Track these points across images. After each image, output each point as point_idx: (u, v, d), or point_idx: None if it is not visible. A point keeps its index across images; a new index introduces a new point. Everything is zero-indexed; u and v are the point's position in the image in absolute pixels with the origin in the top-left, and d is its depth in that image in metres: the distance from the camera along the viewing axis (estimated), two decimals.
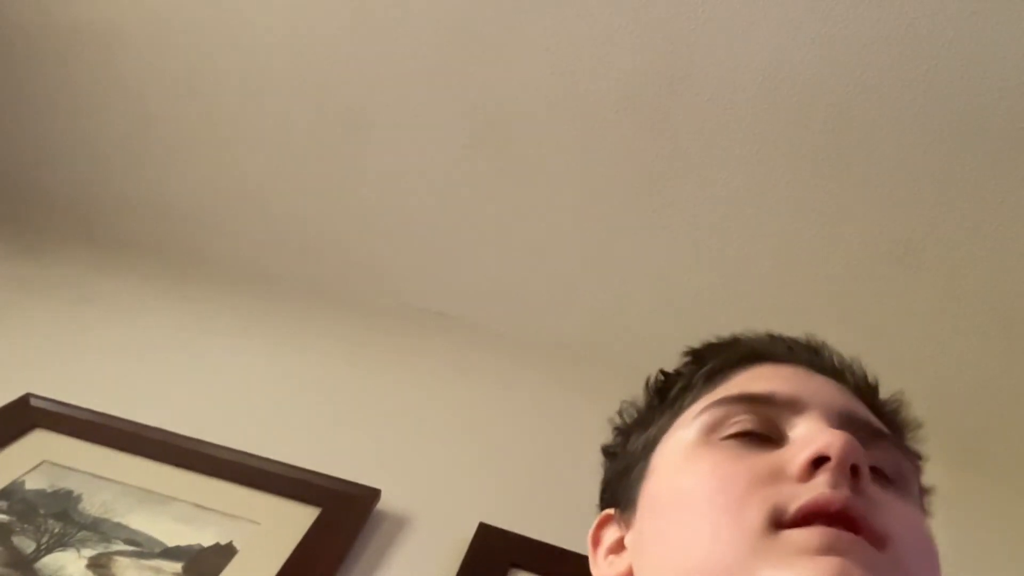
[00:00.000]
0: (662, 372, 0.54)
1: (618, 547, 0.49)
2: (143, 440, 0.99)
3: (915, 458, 0.48)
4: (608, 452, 0.55)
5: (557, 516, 0.93)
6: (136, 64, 1.44)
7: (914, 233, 1.22)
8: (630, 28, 1.20)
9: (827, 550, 0.35)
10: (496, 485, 1.05)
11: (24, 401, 1.03)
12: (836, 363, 0.51)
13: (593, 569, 0.50)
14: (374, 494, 0.96)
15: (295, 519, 0.91)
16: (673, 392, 0.51)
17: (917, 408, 1.27)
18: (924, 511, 0.46)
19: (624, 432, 0.54)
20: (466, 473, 1.06)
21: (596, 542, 0.51)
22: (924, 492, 0.47)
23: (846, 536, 0.36)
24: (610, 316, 1.39)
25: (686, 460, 0.44)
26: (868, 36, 1.13)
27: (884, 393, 0.52)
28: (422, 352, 1.34)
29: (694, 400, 0.48)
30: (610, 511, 0.51)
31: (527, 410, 1.23)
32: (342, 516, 0.92)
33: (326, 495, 0.95)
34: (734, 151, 1.24)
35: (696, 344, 0.54)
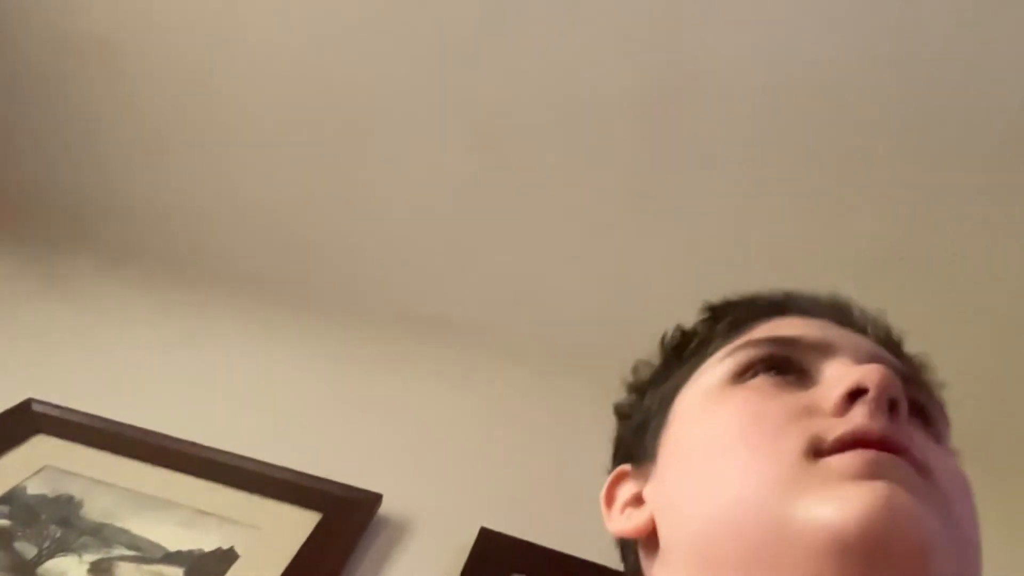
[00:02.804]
0: (679, 328, 0.52)
1: (636, 501, 0.47)
2: (145, 445, 0.99)
3: (946, 415, 0.46)
4: (621, 411, 0.53)
5: (559, 521, 0.93)
6: (137, 72, 1.44)
7: (914, 234, 1.22)
8: (631, 31, 1.21)
9: (871, 474, 0.34)
10: (498, 490, 1.05)
11: (26, 406, 1.03)
12: (861, 317, 0.49)
13: (609, 525, 0.49)
14: (375, 499, 0.96)
15: (296, 524, 0.91)
16: (691, 346, 0.50)
17: None
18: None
19: (639, 389, 0.52)
20: (468, 478, 1.06)
21: (610, 499, 0.49)
22: (954, 453, 0.45)
23: (889, 458, 0.34)
24: (612, 320, 1.39)
25: (713, 402, 0.43)
26: (869, 39, 1.13)
27: (909, 350, 0.50)
28: (423, 356, 1.34)
29: (716, 350, 0.46)
30: (624, 467, 0.50)
31: (528, 415, 1.23)
32: (343, 521, 0.92)
33: (327, 500, 0.95)
34: (734, 154, 1.25)
35: (714, 301, 0.53)
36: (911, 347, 0.51)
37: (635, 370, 0.53)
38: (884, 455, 0.34)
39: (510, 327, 1.41)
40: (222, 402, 1.14)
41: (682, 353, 0.50)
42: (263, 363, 1.25)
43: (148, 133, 1.49)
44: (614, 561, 0.53)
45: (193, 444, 1.00)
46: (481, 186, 1.38)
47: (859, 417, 0.36)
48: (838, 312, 0.49)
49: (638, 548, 0.46)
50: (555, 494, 1.03)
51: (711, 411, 0.42)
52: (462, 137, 1.34)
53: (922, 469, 0.36)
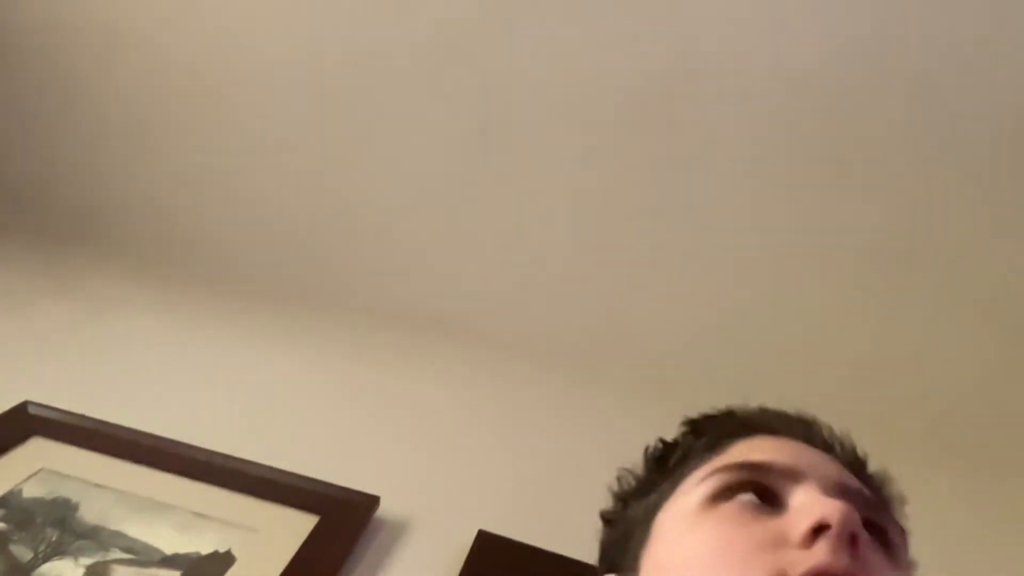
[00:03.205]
0: (661, 441, 0.56)
1: None
2: (141, 448, 0.99)
3: (903, 531, 0.50)
4: (607, 518, 0.57)
5: (556, 523, 0.93)
6: (134, 67, 1.44)
7: (915, 233, 1.22)
8: (633, 29, 1.21)
9: None
10: (495, 492, 1.04)
11: (22, 409, 1.02)
12: (827, 437, 0.53)
13: None
14: (373, 501, 0.96)
15: (294, 526, 0.91)
16: (672, 460, 0.53)
17: (918, 408, 1.27)
18: None
19: (623, 499, 0.56)
20: (465, 480, 1.06)
21: None
22: (910, 565, 0.49)
23: None
24: (611, 323, 1.39)
25: (689, 526, 0.46)
26: (871, 39, 1.13)
27: (872, 468, 0.54)
28: (421, 358, 1.34)
29: (694, 468, 0.50)
30: None
31: (526, 417, 1.23)
32: (341, 523, 0.92)
33: (325, 502, 0.94)
34: (736, 152, 1.25)
35: (693, 415, 0.56)
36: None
37: (619, 479, 0.57)
38: None
39: (509, 329, 1.41)
40: (219, 404, 1.14)
41: (664, 465, 0.54)
42: (260, 365, 1.25)
43: (146, 131, 1.49)
44: None
45: (190, 446, 1.00)
46: (481, 184, 1.38)
47: (822, 553, 0.39)
48: (808, 432, 0.53)
49: None
50: (553, 496, 1.03)
51: (687, 534, 0.46)
52: (463, 134, 1.34)
53: None
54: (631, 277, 1.36)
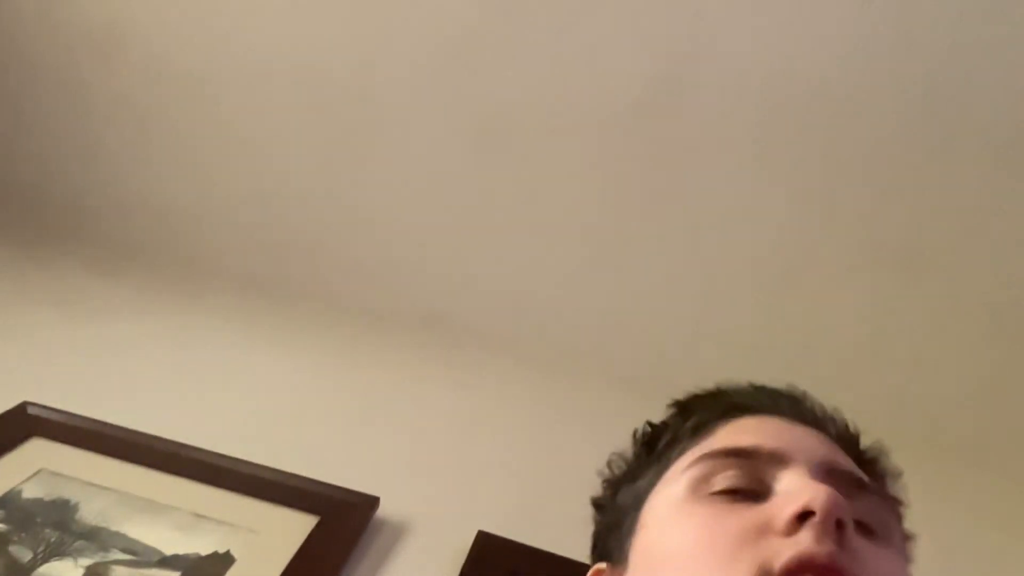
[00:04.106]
0: (649, 424, 0.55)
1: None
2: (141, 448, 0.99)
3: (897, 505, 0.49)
4: (598, 505, 0.56)
5: (556, 524, 0.93)
6: (136, 68, 1.44)
7: (914, 235, 1.22)
8: (634, 32, 1.21)
9: None
10: (495, 493, 1.05)
11: (21, 409, 1.02)
12: (818, 413, 0.52)
13: None
14: (373, 502, 0.96)
15: (293, 527, 0.91)
16: (660, 445, 0.53)
17: (917, 409, 1.27)
18: (907, 558, 0.47)
19: (613, 485, 0.55)
20: (465, 481, 1.06)
21: None
22: (906, 538, 0.48)
23: None
24: (611, 322, 1.39)
25: (675, 516, 0.46)
26: (870, 42, 1.14)
27: (865, 442, 0.53)
28: (421, 359, 1.34)
29: (681, 453, 0.50)
30: (602, 565, 0.52)
31: (526, 418, 1.23)
32: (341, 524, 0.92)
33: (325, 503, 0.94)
34: (736, 157, 1.25)
35: (681, 395, 0.56)
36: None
37: (609, 464, 0.56)
38: None
39: (509, 330, 1.41)
40: (219, 405, 1.14)
41: (652, 449, 0.53)
42: (260, 366, 1.25)
43: (148, 133, 1.49)
44: None
45: (190, 447, 1.00)
46: (482, 185, 1.38)
47: (806, 541, 0.38)
48: (796, 409, 0.52)
49: None
50: (552, 497, 1.03)
51: (673, 526, 0.45)
52: (462, 137, 1.34)
53: None
54: (630, 279, 1.36)
